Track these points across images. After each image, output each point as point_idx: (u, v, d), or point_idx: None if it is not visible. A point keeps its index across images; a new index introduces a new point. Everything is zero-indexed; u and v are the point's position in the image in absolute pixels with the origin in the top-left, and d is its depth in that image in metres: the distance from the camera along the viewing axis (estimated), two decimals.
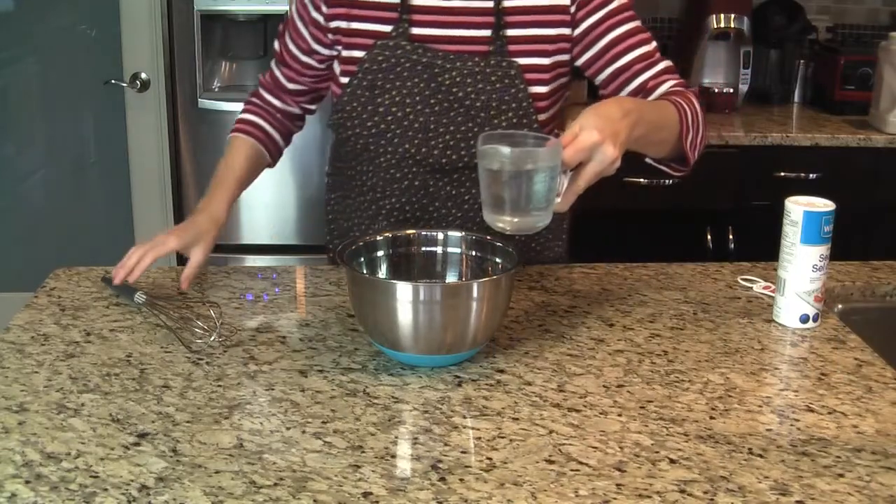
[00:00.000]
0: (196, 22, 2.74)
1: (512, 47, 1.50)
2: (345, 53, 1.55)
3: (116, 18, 2.88)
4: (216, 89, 2.88)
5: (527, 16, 1.51)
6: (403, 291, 1.20)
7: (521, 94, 1.50)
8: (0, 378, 1.21)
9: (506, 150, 1.18)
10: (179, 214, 2.93)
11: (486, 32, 1.50)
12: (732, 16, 3.06)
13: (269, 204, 2.88)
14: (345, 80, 1.55)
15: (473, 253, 1.37)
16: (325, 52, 1.59)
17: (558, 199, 1.22)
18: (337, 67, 1.58)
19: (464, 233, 1.40)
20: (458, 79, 1.50)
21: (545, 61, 1.52)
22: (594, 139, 1.20)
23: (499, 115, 1.50)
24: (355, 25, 1.53)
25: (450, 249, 1.39)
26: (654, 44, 1.54)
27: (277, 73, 1.69)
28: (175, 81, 2.82)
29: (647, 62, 1.52)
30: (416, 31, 1.51)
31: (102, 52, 3.02)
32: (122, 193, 3.03)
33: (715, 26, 3.07)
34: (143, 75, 2.90)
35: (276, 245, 2.92)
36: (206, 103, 2.80)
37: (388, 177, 1.57)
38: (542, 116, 1.54)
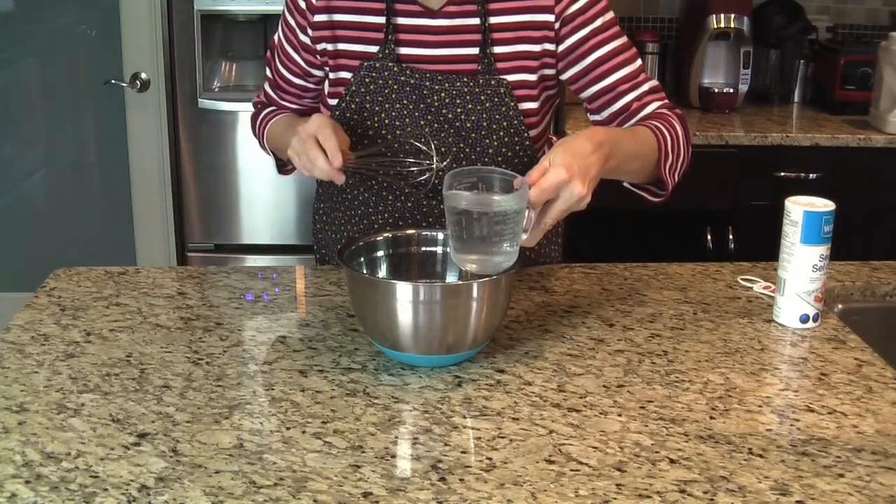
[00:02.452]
0: (196, 22, 2.74)
1: (499, 65, 1.49)
2: (332, 75, 1.54)
3: (116, 18, 2.88)
4: (216, 89, 2.87)
5: (512, 32, 1.49)
6: (403, 291, 1.20)
7: (511, 111, 1.49)
8: (0, 378, 1.21)
9: (470, 196, 1.18)
10: (179, 215, 2.93)
11: (474, 51, 1.49)
12: (732, 16, 3.06)
13: (269, 204, 2.88)
14: (333, 101, 1.54)
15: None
16: (319, 73, 1.58)
17: (525, 236, 1.21)
18: (326, 88, 1.57)
19: None
20: (447, 100, 1.48)
21: (531, 77, 1.50)
22: (561, 178, 1.19)
23: (490, 134, 1.48)
24: (341, 47, 1.52)
25: (450, 249, 1.38)
26: (639, 62, 1.53)
27: (274, 96, 1.68)
28: (175, 81, 2.82)
29: (632, 83, 1.51)
30: (403, 51, 1.49)
31: (102, 52, 3.02)
32: (122, 193, 3.03)
33: (715, 26, 3.07)
34: (143, 75, 2.90)
35: (276, 245, 2.92)
36: (206, 103, 2.80)
37: (379, 197, 1.56)
38: (532, 132, 1.52)
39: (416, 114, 1.49)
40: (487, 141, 1.48)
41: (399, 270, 1.38)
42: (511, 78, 1.49)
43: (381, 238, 1.39)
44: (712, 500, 0.97)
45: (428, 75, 1.48)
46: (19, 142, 3.23)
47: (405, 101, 1.49)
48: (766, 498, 0.98)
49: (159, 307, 1.45)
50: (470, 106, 1.48)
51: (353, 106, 1.51)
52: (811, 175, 2.85)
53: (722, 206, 2.87)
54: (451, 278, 1.38)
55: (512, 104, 1.49)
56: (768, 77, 3.28)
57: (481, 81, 1.48)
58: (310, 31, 1.53)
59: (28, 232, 3.25)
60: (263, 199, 2.88)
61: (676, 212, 2.86)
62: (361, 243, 1.36)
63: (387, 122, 1.49)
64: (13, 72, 3.17)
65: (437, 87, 1.48)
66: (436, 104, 1.48)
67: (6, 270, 3.21)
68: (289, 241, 2.92)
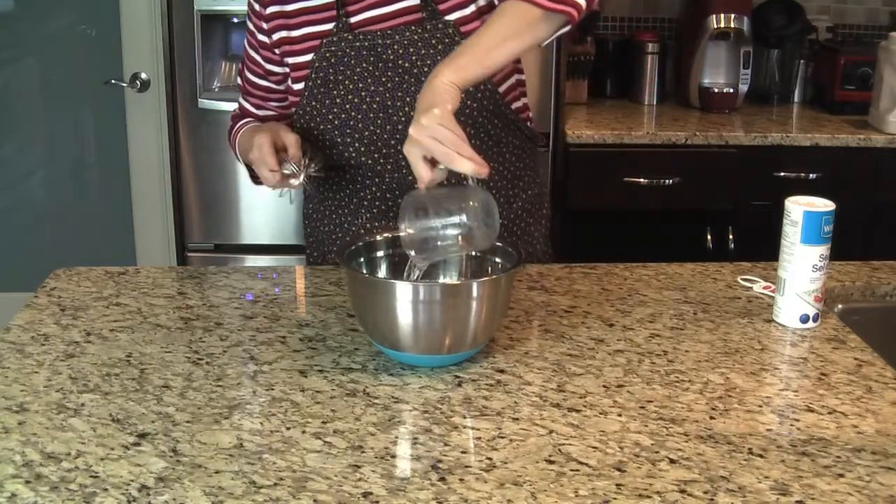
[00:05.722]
0: (196, 22, 2.74)
1: (441, 6, 1.54)
2: (292, 61, 1.59)
3: (116, 18, 2.88)
4: (216, 89, 2.87)
5: None
6: (403, 291, 1.20)
7: None
8: (0, 378, 1.21)
9: (407, 238, 1.26)
10: (179, 214, 2.93)
11: (416, 1, 1.54)
12: (732, 16, 3.06)
13: (268, 204, 2.88)
14: (299, 86, 1.59)
15: (473, 253, 1.37)
16: (279, 69, 1.64)
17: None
18: (290, 77, 1.61)
19: None
20: (400, 51, 1.53)
21: (468, 11, 1.54)
22: (411, 154, 1.23)
23: None
24: (296, 33, 1.58)
25: None
26: None
27: (247, 105, 1.73)
28: (175, 81, 2.82)
29: None
30: (354, 20, 1.55)
31: (102, 52, 3.02)
32: (122, 193, 3.03)
33: (715, 26, 3.07)
34: (143, 75, 2.90)
35: (276, 245, 2.92)
36: (206, 103, 2.80)
37: (360, 167, 1.60)
38: None
39: (377, 73, 1.54)
40: None
41: (399, 270, 1.38)
42: (453, 17, 1.54)
43: (381, 238, 1.39)
44: (712, 500, 0.97)
45: (379, 33, 1.54)
46: (19, 142, 3.23)
47: (364, 65, 1.54)
48: (766, 498, 0.98)
49: (159, 307, 1.45)
50: (423, 51, 1.53)
51: (318, 81, 1.56)
52: (811, 175, 2.85)
53: (722, 206, 2.87)
54: (451, 278, 1.38)
55: (460, 41, 1.52)
56: (768, 77, 3.28)
57: (429, 27, 1.53)
58: (265, 26, 1.60)
59: (28, 232, 3.26)
60: (263, 199, 2.87)
61: (676, 212, 2.86)
62: (361, 243, 1.36)
63: (350, 86, 1.54)
64: (13, 72, 3.17)
65: (388, 42, 1.53)
66: (392, 58, 1.53)
67: (6, 270, 3.21)
68: (289, 241, 2.92)
